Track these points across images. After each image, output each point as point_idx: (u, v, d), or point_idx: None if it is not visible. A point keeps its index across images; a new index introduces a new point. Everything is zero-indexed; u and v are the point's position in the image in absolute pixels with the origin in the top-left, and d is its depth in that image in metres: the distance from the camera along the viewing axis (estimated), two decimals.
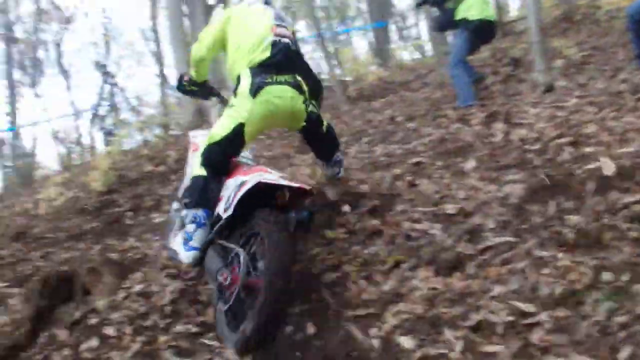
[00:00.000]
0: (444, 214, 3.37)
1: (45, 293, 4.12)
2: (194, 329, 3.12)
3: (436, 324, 2.47)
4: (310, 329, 2.69)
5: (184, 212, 3.15)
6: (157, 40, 17.20)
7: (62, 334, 3.50)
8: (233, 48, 3.32)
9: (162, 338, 3.06)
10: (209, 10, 9.55)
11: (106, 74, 18.41)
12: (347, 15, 16.30)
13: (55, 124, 18.65)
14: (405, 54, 13.11)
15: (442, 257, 2.93)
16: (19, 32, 18.26)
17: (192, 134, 3.95)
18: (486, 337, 2.32)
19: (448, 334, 2.38)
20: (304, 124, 3.36)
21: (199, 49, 3.50)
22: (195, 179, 3.13)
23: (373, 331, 2.55)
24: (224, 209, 2.91)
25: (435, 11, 7.12)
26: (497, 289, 2.56)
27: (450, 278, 2.77)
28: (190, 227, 3.04)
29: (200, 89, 3.79)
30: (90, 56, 22.01)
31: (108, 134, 16.47)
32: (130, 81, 24.43)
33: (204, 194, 3.07)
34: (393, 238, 3.27)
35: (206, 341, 2.96)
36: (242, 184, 2.84)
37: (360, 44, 24.11)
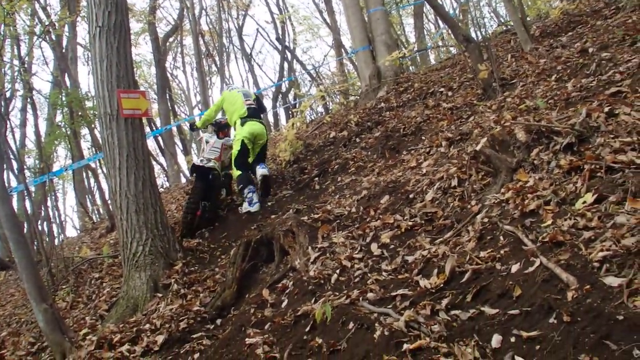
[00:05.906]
0: None
1: (248, 256, 4.44)
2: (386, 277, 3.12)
3: None
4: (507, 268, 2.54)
5: (245, 191, 6.14)
6: (330, 11, 17.54)
7: (264, 293, 3.72)
8: (229, 112, 6.71)
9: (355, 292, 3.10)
10: None
11: (284, 51, 19.19)
12: None
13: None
14: None
15: None
16: (203, 23, 19.78)
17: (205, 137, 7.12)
18: None
19: None
20: (266, 138, 6.75)
21: (209, 117, 6.94)
22: (239, 176, 6.24)
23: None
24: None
25: None
26: None
27: None
28: (251, 195, 6.11)
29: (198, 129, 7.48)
30: (268, 36, 23.07)
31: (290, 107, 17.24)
32: (307, 55, 25.25)
33: (248, 180, 6.23)
34: (593, 173, 2.95)
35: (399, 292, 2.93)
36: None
37: None
